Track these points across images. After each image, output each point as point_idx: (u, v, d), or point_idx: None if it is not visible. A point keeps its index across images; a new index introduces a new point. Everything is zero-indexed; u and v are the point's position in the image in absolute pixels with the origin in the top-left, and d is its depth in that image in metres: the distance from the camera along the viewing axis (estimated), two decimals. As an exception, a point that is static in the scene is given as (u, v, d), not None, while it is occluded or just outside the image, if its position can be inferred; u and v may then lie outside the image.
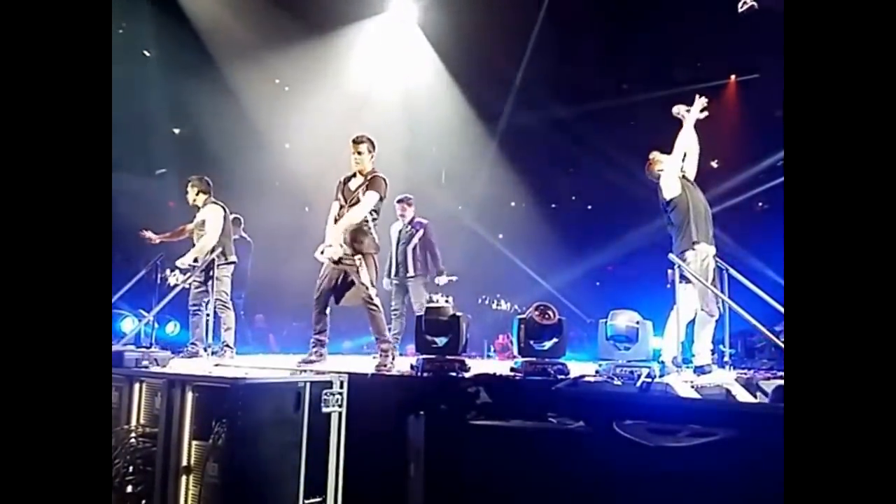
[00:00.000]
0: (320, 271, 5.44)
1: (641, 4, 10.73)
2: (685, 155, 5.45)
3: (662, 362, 4.92)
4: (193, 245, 6.52)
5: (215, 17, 9.90)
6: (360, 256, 5.27)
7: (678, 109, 5.49)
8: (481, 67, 11.61)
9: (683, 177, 5.42)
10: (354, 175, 5.47)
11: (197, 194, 6.61)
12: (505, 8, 10.78)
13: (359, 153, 5.41)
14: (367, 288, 5.25)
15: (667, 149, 5.52)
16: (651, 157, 5.62)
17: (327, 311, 5.41)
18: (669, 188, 5.35)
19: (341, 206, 5.43)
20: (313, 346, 5.34)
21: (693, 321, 5.25)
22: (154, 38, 10.09)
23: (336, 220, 5.41)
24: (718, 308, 5.20)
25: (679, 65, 11.74)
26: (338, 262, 5.30)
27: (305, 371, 4.55)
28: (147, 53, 10.30)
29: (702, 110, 5.43)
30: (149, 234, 6.73)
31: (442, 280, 7.12)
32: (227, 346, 6.31)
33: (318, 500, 3.88)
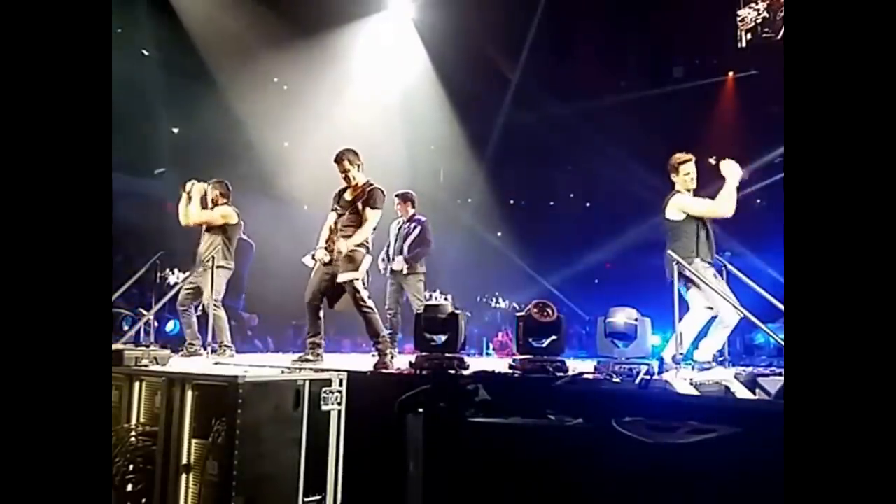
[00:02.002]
0: (310, 275, 5.46)
1: (639, 1, 10.75)
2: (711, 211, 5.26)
3: (661, 359, 4.92)
4: (198, 244, 6.50)
5: (213, 17, 9.89)
6: (351, 255, 5.26)
7: (730, 169, 5.21)
8: (479, 65, 11.61)
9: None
10: (349, 186, 5.50)
11: (218, 196, 6.60)
12: (502, 5, 10.80)
13: (345, 171, 5.44)
14: (357, 292, 5.25)
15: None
16: (681, 158, 5.35)
17: (320, 314, 5.40)
18: (674, 213, 5.29)
19: (339, 216, 5.46)
20: (310, 348, 5.35)
21: (709, 323, 5.22)
22: (152, 38, 10.08)
23: (331, 229, 5.46)
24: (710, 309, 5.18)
25: (677, 61, 11.77)
26: (328, 263, 5.32)
27: (304, 369, 4.56)
28: (145, 53, 10.29)
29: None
30: None
31: (397, 265, 6.87)
32: (227, 345, 6.31)
33: (317, 497, 3.88)
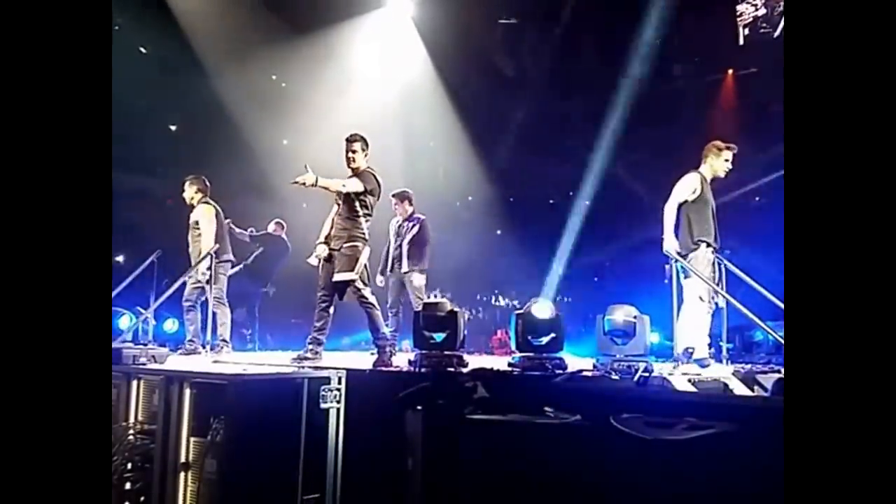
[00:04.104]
0: (319, 269, 5.44)
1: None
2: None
3: (689, 352, 4.93)
4: (188, 243, 6.51)
5: (211, 14, 9.86)
6: (349, 253, 5.25)
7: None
8: (479, 62, 11.59)
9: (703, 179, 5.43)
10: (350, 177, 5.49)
11: (195, 193, 6.61)
12: (501, 1, 10.78)
13: (353, 151, 5.41)
14: (358, 290, 5.23)
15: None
16: (717, 146, 5.58)
17: (330, 309, 5.34)
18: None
19: (339, 207, 5.44)
20: (310, 344, 5.27)
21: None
22: (150, 35, 10.06)
23: (332, 221, 5.44)
24: (716, 302, 5.22)
25: (677, 59, 11.74)
26: (328, 258, 5.31)
27: (304, 367, 4.55)
28: (143, 50, 10.27)
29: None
30: None
31: (418, 279, 6.91)
32: (225, 341, 6.31)
33: (316, 495, 3.88)
